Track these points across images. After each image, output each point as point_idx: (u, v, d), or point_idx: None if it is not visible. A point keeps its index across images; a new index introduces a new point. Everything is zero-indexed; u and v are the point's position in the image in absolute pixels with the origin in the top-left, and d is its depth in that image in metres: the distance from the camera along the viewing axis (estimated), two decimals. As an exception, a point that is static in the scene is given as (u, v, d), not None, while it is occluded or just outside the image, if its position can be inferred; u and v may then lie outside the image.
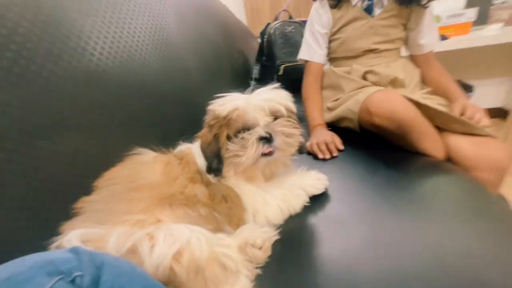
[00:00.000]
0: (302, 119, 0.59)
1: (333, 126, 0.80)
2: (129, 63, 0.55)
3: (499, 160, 0.61)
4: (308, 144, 0.72)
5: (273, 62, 1.42)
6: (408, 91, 0.75)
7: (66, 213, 0.36)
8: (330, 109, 0.83)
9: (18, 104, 0.33)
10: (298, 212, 0.49)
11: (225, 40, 1.29)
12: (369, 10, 0.78)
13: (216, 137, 0.45)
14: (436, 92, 0.79)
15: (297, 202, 0.49)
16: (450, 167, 0.61)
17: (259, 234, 0.41)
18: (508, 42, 1.41)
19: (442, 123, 0.67)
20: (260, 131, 0.43)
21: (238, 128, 0.44)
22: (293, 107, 0.46)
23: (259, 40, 1.56)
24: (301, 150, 0.53)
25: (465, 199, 0.51)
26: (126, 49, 0.55)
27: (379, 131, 0.67)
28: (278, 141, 0.43)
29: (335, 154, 0.68)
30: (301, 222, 0.48)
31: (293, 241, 0.44)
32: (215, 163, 0.45)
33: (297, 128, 0.46)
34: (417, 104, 0.63)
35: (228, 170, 0.46)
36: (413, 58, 0.85)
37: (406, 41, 0.84)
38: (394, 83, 0.77)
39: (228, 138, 0.44)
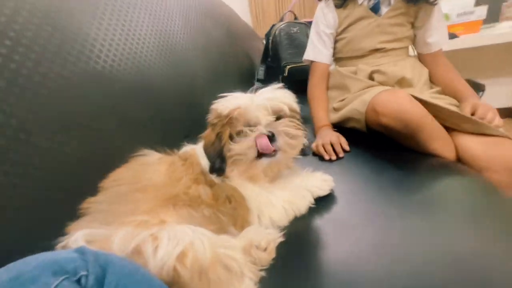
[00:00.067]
0: (307, 120, 0.58)
1: (339, 126, 0.79)
2: (134, 65, 0.56)
3: (512, 161, 0.59)
4: (313, 145, 0.72)
5: (278, 63, 1.41)
6: (416, 90, 0.74)
7: (72, 214, 0.36)
8: (336, 110, 0.82)
9: (24, 106, 0.34)
10: (303, 213, 0.48)
11: (231, 42, 1.30)
12: (375, 9, 0.77)
13: (218, 136, 0.45)
14: (445, 91, 0.77)
15: (303, 203, 0.48)
16: (461, 168, 0.59)
17: (263, 236, 0.40)
18: (520, 40, 1.38)
19: (452, 123, 0.65)
20: (261, 129, 0.42)
21: (240, 127, 0.44)
22: (296, 107, 0.46)
23: (264, 41, 1.56)
24: (305, 152, 0.52)
25: (477, 201, 0.49)
26: (132, 51, 0.55)
27: (387, 131, 0.66)
28: (280, 141, 0.43)
29: (341, 155, 0.67)
30: (307, 224, 0.47)
31: (299, 243, 0.43)
32: (218, 163, 0.44)
33: (300, 129, 0.45)
34: (426, 104, 0.62)
35: (231, 170, 0.45)
36: (421, 57, 0.83)
37: (413, 40, 0.82)
38: (402, 82, 0.76)
39: (231, 137, 0.44)
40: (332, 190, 0.52)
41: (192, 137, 0.54)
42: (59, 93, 0.39)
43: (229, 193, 0.45)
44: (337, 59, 0.90)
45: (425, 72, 0.80)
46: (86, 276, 0.23)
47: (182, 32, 0.82)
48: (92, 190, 0.40)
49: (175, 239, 0.32)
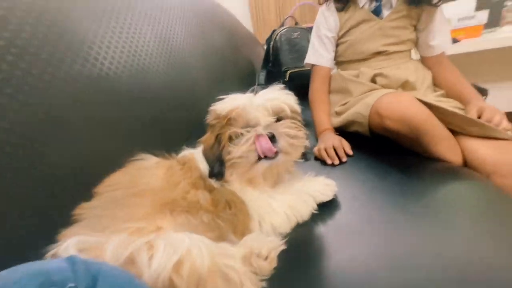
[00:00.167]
0: (309, 124, 0.57)
1: (341, 130, 0.77)
2: (133, 68, 0.55)
3: (521, 165, 0.58)
4: (315, 149, 0.70)
5: (279, 68, 1.41)
6: (420, 94, 0.73)
7: (65, 220, 0.35)
8: (338, 114, 0.80)
9: (18, 108, 0.33)
10: (306, 220, 0.47)
11: (231, 47, 1.30)
12: (377, 11, 0.77)
13: (217, 138, 0.43)
14: (450, 94, 0.76)
15: (305, 209, 0.47)
16: (468, 172, 0.57)
17: (264, 244, 0.39)
18: (522, 44, 1.37)
19: (458, 126, 0.63)
20: (261, 130, 0.41)
21: (239, 128, 0.42)
22: (298, 108, 0.45)
23: (265, 47, 1.57)
24: (307, 156, 0.51)
25: (485, 207, 0.48)
26: (130, 53, 0.55)
27: (391, 134, 0.64)
28: (281, 142, 0.41)
29: (344, 159, 0.66)
30: (309, 231, 0.45)
31: (301, 251, 0.42)
32: (217, 167, 0.43)
33: (302, 131, 0.44)
34: (430, 107, 0.60)
35: (230, 174, 0.44)
36: (424, 60, 0.83)
37: (416, 43, 0.81)
38: (405, 86, 0.75)
39: (230, 139, 0.43)
40: (335, 195, 0.51)
41: (191, 142, 0.52)
42: (56, 95, 0.38)
43: (229, 199, 0.44)
44: (339, 62, 0.89)
45: (428, 75, 0.79)
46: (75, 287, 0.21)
47: (182, 36, 0.82)
48: (88, 195, 0.38)
49: (172, 247, 0.31)
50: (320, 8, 0.86)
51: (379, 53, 0.78)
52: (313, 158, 0.70)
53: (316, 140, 0.78)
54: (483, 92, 0.79)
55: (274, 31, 1.51)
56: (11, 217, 0.32)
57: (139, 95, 0.56)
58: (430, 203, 0.48)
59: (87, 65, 0.44)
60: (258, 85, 1.50)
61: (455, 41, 1.46)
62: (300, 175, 0.52)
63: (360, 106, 0.70)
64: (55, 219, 0.35)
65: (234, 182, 0.45)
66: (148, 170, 0.43)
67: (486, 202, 0.49)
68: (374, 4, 0.77)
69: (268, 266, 0.37)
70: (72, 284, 0.21)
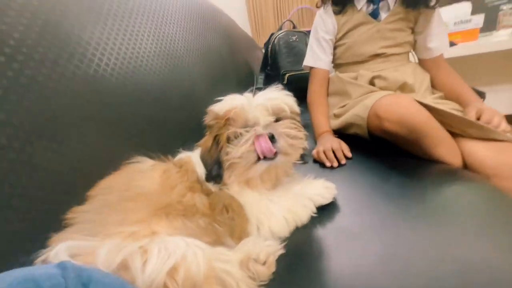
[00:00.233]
0: (307, 127, 0.57)
1: (340, 133, 0.77)
2: (130, 70, 0.54)
3: (522, 168, 0.57)
4: (314, 151, 0.70)
5: (277, 71, 1.41)
6: (418, 96, 0.72)
7: (57, 224, 0.34)
8: (336, 116, 0.80)
9: (9, 108, 0.32)
10: (305, 223, 0.46)
11: (230, 50, 1.30)
12: (374, 14, 0.77)
13: (216, 139, 0.42)
14: (448, 96, 0.75)
15: (304, 212, 0.46)
16: (469, 175, 0.57)
17: (262, 248, 0.38)
18: (517, 48, 1.38)
19: (457, 128, 0.63)
20: (259, 129, 0.40)
21: (238, 128, 0.41)
22: (297, 108, 0.44)
23: (263, 50, 1.57)
24: (305, 158, 0.50)
25: (487, 210, 0.47)
26: (127, 54, 0.54)
27: (390, 137, 0.64)
28: (281, 143, 0.40)
29: (343, 162, 0.65)
30: (309, 235, 0.44)
31: (300, 255, 0.41)
32: (215, 169, 0.42)
33: (301, 131, 0.43)
34: (429, 109, 0.60)
35: (228, 176, 0.43)
36: (422, 63, 0.83)
37: (414, 45, 0.82)
38: (403, 88, 0.74)
39: (229, 140, 0.42)
40: (334, 198, 0.50)
41: (189, 144, 0.52)
42: (50, 96, 0.38)
43: (226, 202, 0.43)
44: (337, 65, 0.89)
45: (426, 77, 0.79)
46: None
47: (180, 38, 0.81)
48: (82, 198, 0.37)
49: (166, 252, 0.30)
50: (318, 11, 0.86)
51: (377, 56, 0.78)
52: (312, 161, 0.70)
53: (315, 142, 0.77)
54: (480, 95, 0.79)
55: (272, 34, 1.51)
56: None
57: (136, 97, 0.55)
58: (430, 206, 0.47)
59: (82, 66, 0.43)
60: (256, 88, 1.50)
61: (452, 44, 1.47)
62: (299, 177, 0.51)
63: (358, 108, 0.70)
64: (46, 223, 0.33)
65: (233, 184, 0.44)
66: (144, 173, 0.42)
67: (487, 204, 0.48)
68: (371, 6, 0.77)
69: (267, 271, 0.36)
70: None
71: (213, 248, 0.34)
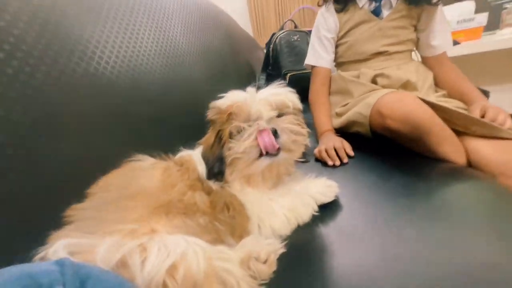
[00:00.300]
0: (309, 126, 0.57)
1: (342, 132, 0.76)
2: (130, 68, 0.54)
3: (528, 166, 0.56)
4: (316, 150, 0.69)
5: (278, 71, 1.41)
6: (421, 94, 0.72)
7: (57, 222, 0.34)
8: (338, 115, 0.79)
9: (8, 105, 0.32)
10: (306, 222, 0.45)
11: (231, 50, 1.30)
12: (377, 12, 0.76)
13: (218, 135, 0.42)
14: (452, 94, 0.75)
15: (306, 211, 0.45)
16: (474, 173, 0.56)
17: (263, 247, 0.37)
18: (522, 46, 1.36)
19: (461, 126, 0.62)
20: (262, 123, 0.39)
21: (241, 123, 0.41)
22: (300, 105, 0.43)
23: (264, 50, 1.57)
24: (307, 157, 0.49)
25: (493, 207, 0.46)
26: (127, 53, 0.54)
27: (392, 135, 0.63)
28: (283, 138, 0.40)
29: (345, 160, 0.65)
30: (310, 233, 0.44)
31: (301, 254, 0.40)
32: (217, 166, 0.41)
33: (304, 127, 0.43)
34: (433, 106, 0.59)
35: (230, 173, 0.42)
36: (425, 61, 0.82)
37: (417, 43, 0.81)
38: (406, 86, 0.74)
39: (231, 136, 0.42)
40: (336, 196, 0.49)
41: (190, 144, 0.51)
42: (50, 94, 0.37)
43: (227, 201, 0.43)
44: (339, 63, 0.88)
45: (430, 75, 0.78)
46: None
47: (182, 39, 0.81)
48: (82, 196, 0.37)
49: (166, 250, 0.29)
50: (320, 9, 0.85)
51: (379, 54, 0.78)
52: (314, 160, 0.69)
53: (317, 142, 0.77)
54: (484, 94, 0.78)
55: (273, 34, 1.51)
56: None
57: (136, 95, 0.55)
58: (434, 204, 0.46)
59: (82, 63, 0.43)
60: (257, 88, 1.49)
61: (455, 43, 1.46)
62: (300, 176, 0.51)
63: (361, 106, 0.69)
64: (45, 220, 0.33)
65: (234, 182, 0.44)
66: (144, 171, 0.42)
67: (493, 202, 0.47)
68: (373, 4, 0.76)
69: (267, 269, 0.35)
70: (59, 287, 0.20)
71: (214, 247, 0.34)
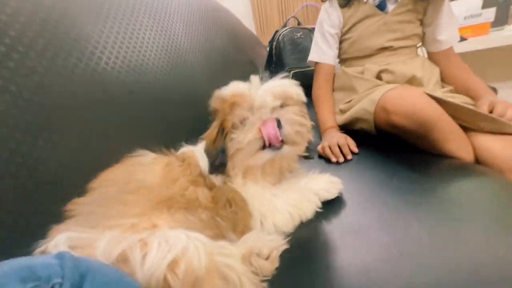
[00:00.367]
0: (313, 122, 0.56)
1: (346, 128, 0.75)
2: (131, 69, 0.54)
3: (537, 162, 0.55)
4: (319, 147, 0.68)
5: (281, 68, 1.40)
6: (428, 90, 0.70)
7: (58, 216, 0.34)
8: (342, 111, 0.78)
9: (9, 99, 0.32)
10: (309, 218, 0.45)
11: (234, 48, 1.29)
12: (381, 6, 0.75)
13: (221, 127, 0.41)
14: (459, 90, 0.73)
15: (309, 207, 0.45)
16: (481, 169, 0.54)
17: (265, 243, 0.37)
18: (530, 42, 1.34)
19: (469, 122, 0.61)
20: (266, 112, 0.39)
21: (244, 113, 0.40)
22: (303, 97, 0.43)
23: (268, 48, 1.56)
24: (311, 154, 0.48)
25: (500, 204, 0.45)
26: (129, 49, 0.54)
27: (398, 131, 0.62)
28: (287, 129, 0.39)
29: (349, 157, 0.64)
30: (313, 230, 0.43)
31: (304, 251, 0.40)
32: (220, 158, 0.41)
33: (307, 120, 0.42)
34: (440, 102, 0.58)
35: (232, 167, 0.42)
36: (431, 56, 0.80)
37: (422, 38, 0.79)
38: (412, 82, 0.72)
39: (234, 127, 0.41)
40: (340, 193, 0.48)
41: (192, 141, 0.51)
42: (50, 90, 0.37)
43: (229, 196, 0.42)
44: (343, 60, 0.87)
45: (436, 71, 0.76)
46: (60, 284, 0.20)
47: (184, 37, 0.81)
48: (82, 192, 0.37)
49: (167, 245, 0.29)
50: (323, 4, 0.84)
51: (384, 49, 0.76)
52: (317, 156, 0.68)
53: (320, 138, 0.76)
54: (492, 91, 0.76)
55: (276, 31, 1.50)
56: None
57: (138, 93, 0.55)
58: (441, 201, 0.45)
59: (84, 59, 0.43)
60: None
61: (462, 39, 1.43)
62: (303, 172, 0.50)
63: (365, 102, 0.68)
64: (46, 214, 0.33)
65: (236, 178, 0.43)
66: (145, 166, 0.42)
67: (501, 199, 0.46)
68: (378, -1, 0.75)
69: (270, 266, 0.35)
70: (58, 280, 0.20)
71: (215, 242, 0.33)
